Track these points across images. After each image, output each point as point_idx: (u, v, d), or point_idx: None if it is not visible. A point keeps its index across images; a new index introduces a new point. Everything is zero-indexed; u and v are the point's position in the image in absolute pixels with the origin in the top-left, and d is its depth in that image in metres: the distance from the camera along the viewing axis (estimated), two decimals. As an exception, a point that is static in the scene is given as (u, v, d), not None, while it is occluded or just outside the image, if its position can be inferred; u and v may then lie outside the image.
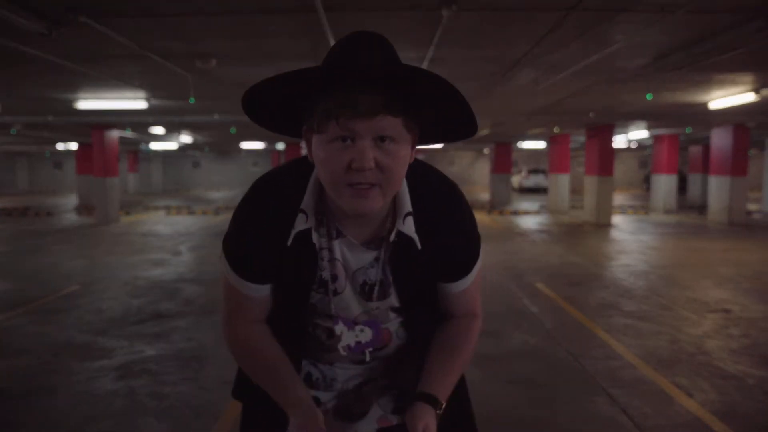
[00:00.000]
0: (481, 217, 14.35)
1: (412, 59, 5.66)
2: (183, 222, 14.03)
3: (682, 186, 21.29)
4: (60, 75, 6.62)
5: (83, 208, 17.35)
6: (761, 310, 5.34)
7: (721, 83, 7.60)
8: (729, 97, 8.67)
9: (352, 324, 1.12)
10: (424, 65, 5.90)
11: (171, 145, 22.83)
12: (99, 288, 6.43)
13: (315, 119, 0.93)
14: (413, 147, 0.98)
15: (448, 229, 1.07)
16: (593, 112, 11.03)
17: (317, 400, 1.16)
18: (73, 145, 20.45)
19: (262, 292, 1.10)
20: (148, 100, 8.76)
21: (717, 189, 13.58)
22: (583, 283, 6.65)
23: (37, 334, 4.64)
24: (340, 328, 1.11)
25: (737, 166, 13.17)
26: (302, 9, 4.11)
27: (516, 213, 16.46)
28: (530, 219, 14.62)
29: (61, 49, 5.25)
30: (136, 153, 30.55)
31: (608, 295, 6.01)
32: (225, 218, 14.65)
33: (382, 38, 0.91)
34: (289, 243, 1.03)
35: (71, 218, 15.32)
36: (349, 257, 1.07)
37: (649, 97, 7.93)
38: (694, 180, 20.15)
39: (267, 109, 1.02)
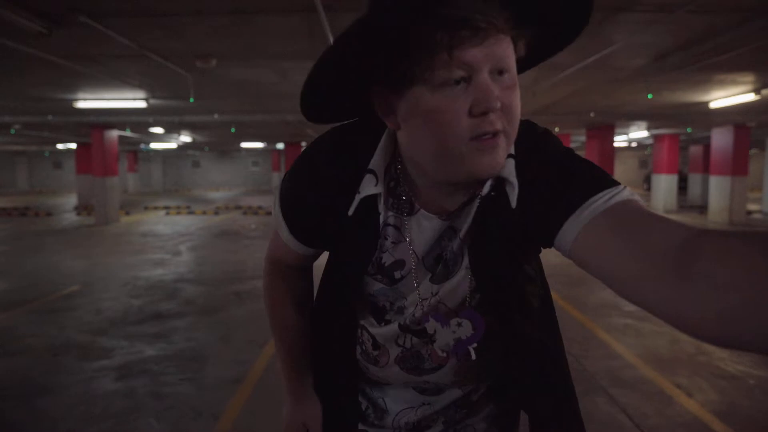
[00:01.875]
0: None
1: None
2: (183, 222, 14.03)
3: (683, 186, 21.29)
4: (60, 75, 6.62)
5: (83, 208, 17.35)
6: (761, 310, 5.33)
7: (722, 83, 7.60)
8: (729, 96, 8.67)
9: (445, 320, 0.88)
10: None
11: (171, 145, 22.83)
12: (99, 288, 6.42)
13: (406, 68, 0.69)
14: None
15: (545, 166, 0.78)
16: (593, 112, 11.03)
17: None
18: (73, 145, 20.46)
19: (302, 250, 0.96)
20: (147, 100, 8.75)
21: (717, 189, 13.58)
22: (583, 283, 6.64)
23: (37, 334, 4.64)
24: (432, 325, 0.88)
25: (738, 165, 13.18)
26: (302, 9, 4.11)
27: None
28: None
29: (61, 49, 5.25)
30: (135, 153, 30.55)
31: (608, 294, 6.01)
32: (225, 218, 14.66)
33: None
34: (350, 212, 0.82)
35: (71, 218, 15.32)
36: (419, 238, 0.85)
37: (649, 97, 7.94)
38: (694, 180, 20.15)
39: (325, 86, 0.77)
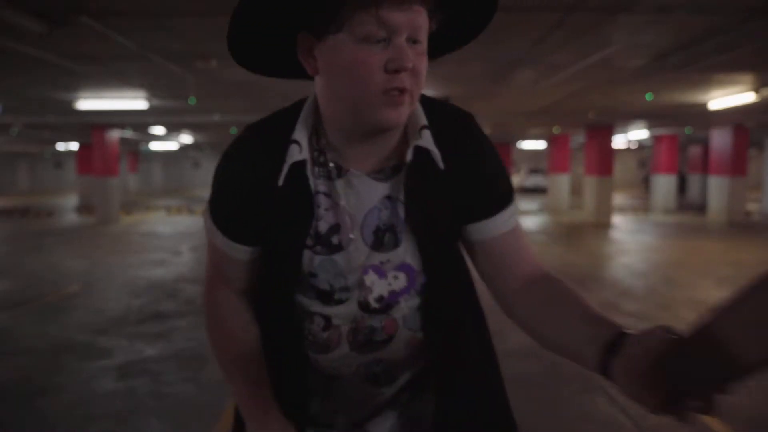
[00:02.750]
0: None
1: (412, 59, 5.66)
2: (183, 222, 14.03)
3: (682, 186, 21.30)
4: (60, 75, 6.62)
5: (84, 208, 17.35)
6: (761, 310, 5.33)
7: (721, 83, 7.60)
8: (729, 97, 8.67)
9: (384, 272, 0.91)
10: (424, 65, 5.90)
11: (171, 145, 22.83)
12: (99, 288, 6.43)
13: (334, 16, 0.75)
14: None
15: (466, 151, 0.90)
16: (593, 112, 11.03)
17: None
18: (74, 145, 20.46)
19: (243, 255, 0.94)
20: (148, 100, 8.76)
21: (716, 189, 13.58)
22: (582, 283, 6.65)
23: (37, 334, 4.64)
24: (371, 277, 0.90)
25: (737, 166, 13.18)
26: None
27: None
28: (530, 219, 14.62)
29: (61, 49, 5.25)
30: (136, 153, 30.55)
31: (608, 295, 6.01)
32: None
33: None
34: (280, 182, 0.85)
35: (72, 218, 15.32)
36: (353, 200, 0.89)
37: (649, 97, 7.94)
38: (693, 180, 20.15)
39: (255, 27, 0.82)
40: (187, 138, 18.64)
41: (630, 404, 3.20)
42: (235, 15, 0.79)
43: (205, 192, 30.85)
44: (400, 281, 0.91)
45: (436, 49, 0.89)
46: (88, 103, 8.84)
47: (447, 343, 0.96)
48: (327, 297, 0.91)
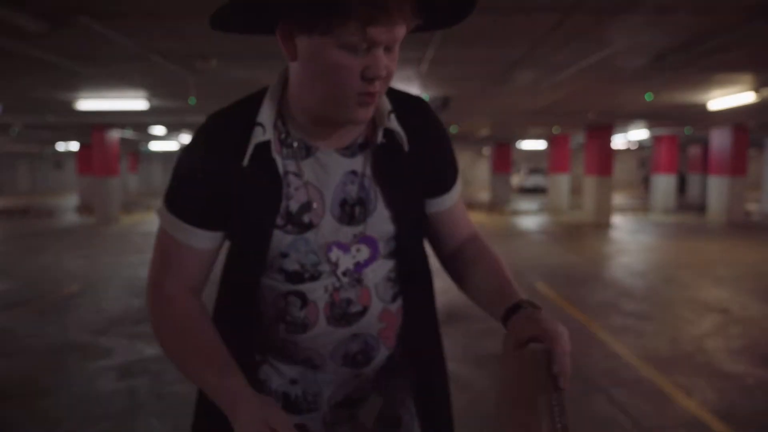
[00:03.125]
0: (480, 218, 14.36)
1: (412, 59, 5.67)
2: (183, 222, 14.01)
3: (682, 186, 21.30)
4: (60, 75, 6.62)
5: (84, 208, 17.35)
6: (761, 310, 5.34)
7: (721, 83, 7.61)
8: (728, 96, 8.67)
9: (347, 247, 0.94)
10: (424, 65, 5.91)
11: (171, 146, 22.83)
12: (99, 288, 6.43)
13: (316, 16, 0.77)
14: None
15: (427, 131, 0.99)
16: (593, 112, 11.03)
17: (305, 429, 0.98)
18: (74, 146, 20.46)
19: (205, 242, 0.93)
20: (148, 100, 8.76)
21: (716, 189, 13.58)
22: (582, 282, 6.65)
23: (37, 334, 4.65)
24: (335, 254, 0.93)
25: (736, 166, 13.18)
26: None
27: (516, 213, 16.46)
28: (530, 219, 14.62)
29: (61, 49, 5.25)
30: (136, 153, 30.55)
31: (608, 294, 6.01)
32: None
33: None
34: (245, 162, 0.87)
35: (72, 218, 15.33)
36: (322, 177, 0.92)
37: (649, 97, 7.94)
38: (693, 180, 20.15)
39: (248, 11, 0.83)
40: (187, 138, 18.65)
41: (630, 404, 3.21)
42: None
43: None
44: (363, 253, 0.95)
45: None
46: (88, 103, 8.84)
47: (417, 310, 1.03)
48: (297, 277, 0.93)
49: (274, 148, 0.90)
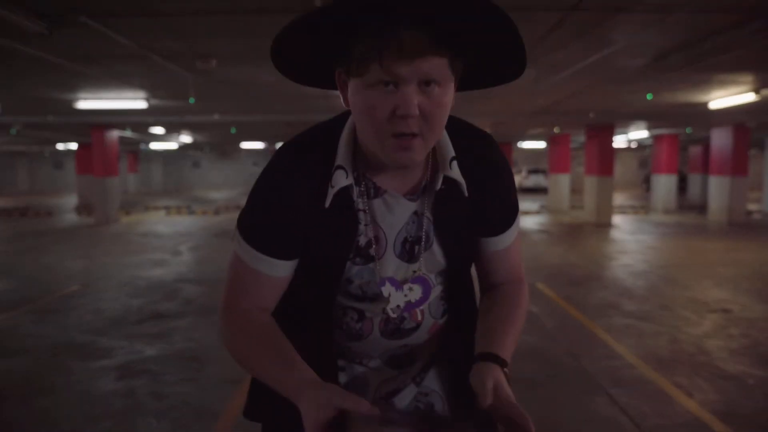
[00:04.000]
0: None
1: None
2: (183, 222, 14.03)
3: (682, 186, 21.29)
4: (60, 75, 6.62)
5: (83, 208, 17.35)
6: (761, 310, 5.34)
7: (722, 83, 7.60)
8: (729, 97, 8.67)
9: (399, 285, 1.00)
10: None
11: (171, 145, 22.84)
12: (99, 288, 6.43)
13: (353, 61, 0.83)
14: (455, 88, 0.89)
15: (490, 176, 1.00)
16: (593, 112, 11.03)
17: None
18: (73, 145, 20.45)
19: (282, 271, 0.97)
20: (148, 100, 8.76)
21: (717, 189, 13.58)
22: (583, 283, 6.65)
23: (37, 334, 4.64)
24: (387, 289, 0.99)
25: (737, 166, 13.18)
26: (302, 9, 4.11)
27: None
28: (530, 219, 14.62)
29: (61, 49, 5.25)
30: (136, 153, 30.55)
31: (608, 294, 6.01)
32: (225, 218, 14.66)
33: None
34: (327, 204, 0.92)
35: (71, 218, 15.33)
36: (388, 217, 0.98)
37: (649, 97, 7.94)
38: (694, 180, 20.14)
39: (297, 55, 0.90)
40: (187, 138, 18.64)
41: (630, 404, 3.20)
42: (277, 42, 0.87)
43: (205, 192, 30.89)
44: (415, 293, 1.00)
45: (476, 82, 0.97)
46: (88, 103, 8.84)
47: (461, 320, 1.09)
48: (359, 299, 1.01)
49: (354, 189, 0.95)
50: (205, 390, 3.47)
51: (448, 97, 0.86)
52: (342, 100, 0.91)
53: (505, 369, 0.91)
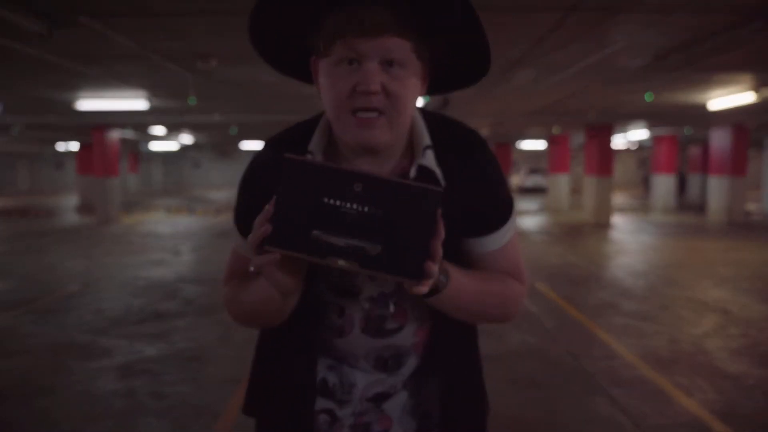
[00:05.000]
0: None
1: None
2: (183, 222, 14.03)
3: (682, 186, 21.30)
4: (60, 75, 6.62)
5: (84, 208, 17.35)
6: (761, 310, 5.34)
7: (721, 83, 7.60)
8: (728, 97, 8.67)
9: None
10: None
11: (171, 145, 22.83)
12: (99, 288, 6.43)
13: (320, 42, 0.86)
14: (423, 81, 0.91)
15: (472, 170, 0.96)
16: (593, 112, 11.03)
17: (333, 415, 1.05)
18: (74, 146, 20.46)
19: None
20: (148, 100, 8.76)
21: (716, 189, 13.58)
22: (582, 283, 6.65)
23: (38, 334, 4.65)
24: (361, 279, 0.98)
25: (736, 166, 13.18)
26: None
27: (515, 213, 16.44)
28: (530, 219, 14.62)
29: (61, 49, 5.25)
30: (136, 153, 30.55)
31: (608, 294, 6.01)
32: (225, 218, 14.66)
33: None
34: None
35: (72, 218, 15.33)
36: None
37: (648, 97, 7.94)
38: (693, 180, 20.15)
39: (275, 40, 0.94)
40: (187, 138, 18.64)
41: (630, 404, 3.21)
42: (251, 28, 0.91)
43: (205, 192, 30.89)
44: (389, 284, 0.98)
45: (446, 84, 1.00)
46: (88, 103, 8.84)
47: (448, 326, 1.04)
48: (338, 291, 1.00)
49: None
50: (205, 390, 3.47)
51: (413, 80, 0.87)
52: (315, 85, 0.93)
53: (443, 278, 0.85)
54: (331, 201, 0.73)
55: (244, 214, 0.98)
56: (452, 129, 0.99)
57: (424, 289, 0.78)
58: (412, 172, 0.93)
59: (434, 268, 0.75)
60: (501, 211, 1.00)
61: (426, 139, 0.95)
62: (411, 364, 1.06)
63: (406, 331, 1.02)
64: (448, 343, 1.05)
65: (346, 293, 1.00)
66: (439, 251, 0.75)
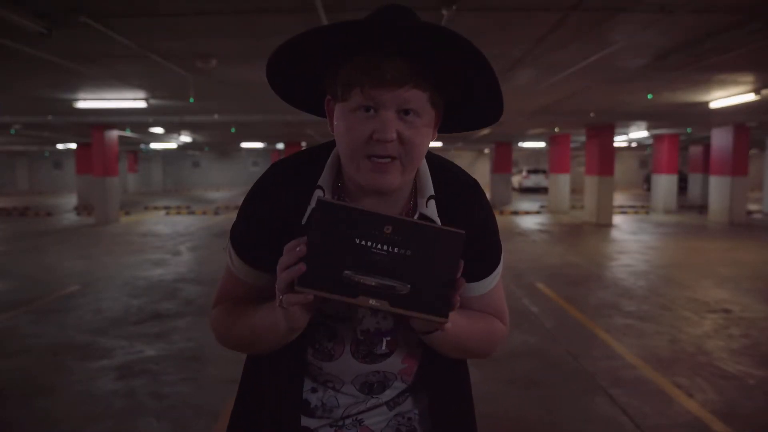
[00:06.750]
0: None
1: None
2: (183, 222, 14.03)
3: (683, 186, 21.29)
4: (60, 75, 6.62)
5: (83, 208, 17.36)
6: (761, 310, 5.34)
7: (722, 83, 7.60)
8: (729, 97, 8.67)
9: (374, 310, 0.99)
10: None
11: (171, 145, 22.84)
12: (99, 288, 6.43)
13: (338, 86, 0.89)
14: (435, 126, 0.94)
15: (471, 221, 1.00)
16: (593, 112, 11.03)
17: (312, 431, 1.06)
18: (73, 145, 20.46)
19: (255, 279, 1.02)
20: (148, 100, 8.76)
21: (717, 189, 13.58)
22: (583, 283, 6.64)
23: (37, 334, 4.64)
24: (363, 311, 1.00)
25: (738, 166, 13.17)
26: (302, 9, 4.11)
27: (516, 213, 16.45)
28: (530, 219, 14.62)
29: (61, 49, 5.25)
30: (136, 153, 30.56)
31: (608, 295, 6.01)
32: (225, 218, 14.66)
33: (412, 10, 0.90)
34: (303, 221, 0.95)
35: (71, 218, 15.33)
36: None
37: (649, 97, 7.93)
38: (694, 180, 20.14)
39: (291, 79, 0.97)
40: (186, 137, 18.64)
41: (630, 404, 3.20)
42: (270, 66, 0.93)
43: (204, 192, 30.88)
44: (388, 322, 1.00)
45: (459, 124, 1.03)
46: (88, 102, 8.84)
47: (440, 359, 1.05)
48: (333, 317, 1.01)
49: None
50: (205, 390, 3.47)
51: (427, 128, 0.90)
52: (329, 126, 0.95)
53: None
54: (363, 242, 0.76)
55: (245, 236, 1.00)
56: (454, 179, 1.03)
57: (449, 325, 0.81)
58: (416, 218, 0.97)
59: (458, 302, 0.80)
60: (493, 260, 1.05)
61: (430, 189, 0.99)
62: (397, 387, 1.07)
63: (395, 358, 1.04)
64: (437, 371, 1.07)
65: (341, 319, 1.01)
66: (463, 286, 0.80)
